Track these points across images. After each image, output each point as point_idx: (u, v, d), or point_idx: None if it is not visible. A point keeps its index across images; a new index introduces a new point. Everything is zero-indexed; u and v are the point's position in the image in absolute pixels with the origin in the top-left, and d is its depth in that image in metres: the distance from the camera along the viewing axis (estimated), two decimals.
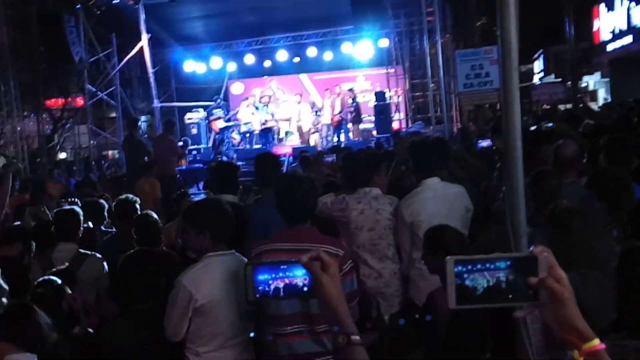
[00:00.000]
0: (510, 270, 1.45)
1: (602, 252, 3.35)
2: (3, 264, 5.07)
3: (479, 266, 1.46)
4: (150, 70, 19.67)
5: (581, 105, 17.43)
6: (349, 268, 3.71)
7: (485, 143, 8.32)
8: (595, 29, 22.48)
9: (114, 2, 17.26)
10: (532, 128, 9.24)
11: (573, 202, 4.13)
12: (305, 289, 1.69)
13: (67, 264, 4.83)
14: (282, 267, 1.69)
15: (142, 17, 18.67)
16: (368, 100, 20.29)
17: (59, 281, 3.95)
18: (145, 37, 19.06)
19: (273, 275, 1.68)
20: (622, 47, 19.69)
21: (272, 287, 1.68)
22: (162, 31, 19.64)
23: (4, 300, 3.67)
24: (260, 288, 1.69)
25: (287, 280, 1.68)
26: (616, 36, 20.19)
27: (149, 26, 18.98)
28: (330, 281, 1.67)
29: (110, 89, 19.85)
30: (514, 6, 2.51)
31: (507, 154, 2.70)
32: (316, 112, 19.59)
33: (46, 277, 4.17)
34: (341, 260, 3.58)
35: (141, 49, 19.34)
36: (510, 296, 1.45)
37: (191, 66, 22.37)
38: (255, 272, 1.69)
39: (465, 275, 1.46)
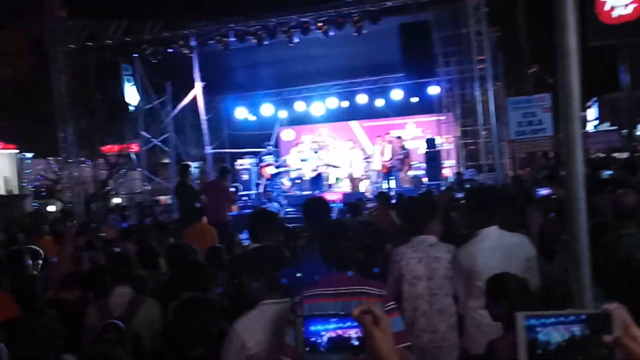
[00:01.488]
0: (584, 326, 1.40)
1: None
2: (62, 307, 5.17)
3: (552, 320, 1.40)
4: (203, 117, 20.06)
5: (637, 154, 17.05)
6: (392, 308, 3.64)
7: (544, 191, 8.14)
8: None
9: (169, 50, 17.71)
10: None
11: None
12: (357, 342, 1.65)
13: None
14: (333, 319, 1.66)
15: (196, 65, 19.13)
16: (418, 147, 20.22)
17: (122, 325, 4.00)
18: (199, 85, 19.52)
19: (325, 327, 1.65)
20: None
21: (323, 339, 1.65)
22: (215, 79, 20.05)
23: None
24: (311, 340, 1.65)
25: (339, 332, 1.65)
26: None
27: (203, 74, 19.43)
28: (382, 335, 1.62)
29: (164, 136, 20.28)
30: (575, 53, 2.46)
31: (570, 204, 2.61)
32: (366, 158, 19.61)
33: (110, 321, 4.22)
34: (383, 300, 3.55)
35: (195, 96, 19.77)
36: (584, 354, 1.39)
37: (243, 113, 22.72)
38: (306, 323, 1.66)
39: (539, 329, 1.40)
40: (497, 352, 4.36)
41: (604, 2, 15.37)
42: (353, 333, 1.65)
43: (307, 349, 1.66)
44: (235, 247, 8.04)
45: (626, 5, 15.08)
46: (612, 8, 15.24)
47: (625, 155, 17.03)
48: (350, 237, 3.79)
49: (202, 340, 3.69)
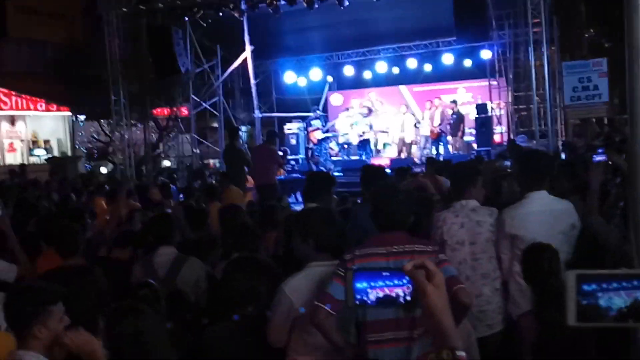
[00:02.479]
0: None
1: None
2: (113, 266, 5.30)
3: (614, 285, 1.34)
4: (252, 81, 20.09)
5: None
6: (443, 259, 3.73)
7: (600, 158, 7.91)
8: None
9: (219, 14, 17.70)
10: None
11: None
12: (408, 298, 1.61)
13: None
14: (384, 274, 1.62)
15: (246, 29, 19.11)
16: (469, 113, 19.91)
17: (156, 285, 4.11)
18: (248, 49, 19.50)
19: (373, 284, 1.61)
20: None
21: (372, 295, 1.61)
22: (264, 43, 20.00)
23: None
24: (359, 296, 1.62)
25: (387, 290, 1.61)
26: None
27: (252, 38, 19.40)
28: (436, 291, 1.59)
29: (214, 100, 20.41)
30: None
31: (632, 165, 2.53)
32: (415, 124, 19.42)
33: (146, 280, 4.33)
34: (434, 255, 3.63)
35: (244, 60, 19.79)
36: (634, 317, 1.35)
37: (291, 77, 22.66)
38: (355, 278, 1.63)
39: (600, 294, 1.34)
40: (521, 329, 4.34)
41: None
42: (401, 291, 1.61)
43: (357, 302, 1.62)
44: (284, 210, 8.10)
45: None
46: None
47: None
48: (401, 200, 3.79)
49: (250, 300, 3.73)
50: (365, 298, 1.62)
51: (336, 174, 16.70)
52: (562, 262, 4.19)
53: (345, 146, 19.15)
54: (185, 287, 4.73)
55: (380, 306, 1.64)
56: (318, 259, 3.79)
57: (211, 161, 23.48)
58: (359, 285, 1.62)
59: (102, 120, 23.72)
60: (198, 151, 21.93)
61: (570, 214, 4.66)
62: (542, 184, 4.67)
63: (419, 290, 1.59)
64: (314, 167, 17.35)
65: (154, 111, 22.32)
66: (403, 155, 18.65)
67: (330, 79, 22.67)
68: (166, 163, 23.76)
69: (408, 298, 1.61)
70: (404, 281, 1.61)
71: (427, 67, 21.50)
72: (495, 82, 20.51)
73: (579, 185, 5.74)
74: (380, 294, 1.61)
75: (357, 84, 22.69)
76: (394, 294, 1.61)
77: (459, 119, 18.58)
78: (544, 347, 3.68)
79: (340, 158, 18.94)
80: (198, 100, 20.25)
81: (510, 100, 20.17)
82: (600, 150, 9.08)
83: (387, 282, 1.61)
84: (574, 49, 21.67)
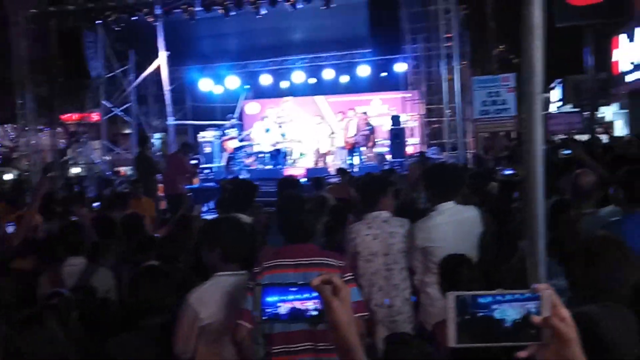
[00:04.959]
0: (514, 308, 1.39)
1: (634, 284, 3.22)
2: (16, 276, 5.08)
3: (509, 297, 1.40)
4: (166, 87, 19.76)
5: (597, 136, 17.30)
6: (350, 278, 3.74)
7: (509, 172, 8.20)
8: (614, 59, 22.36)
9: (133, 18, 17.35)
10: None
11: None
12: (315, 312, 1.63)
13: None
14: (292, 289, 1.64)
15: (161, 34, 18.80)
16: (383, 124, 20.23)
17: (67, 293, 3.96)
18: (163, 55, 19.17)
19: (282, 298, 1.63)
20: None
21: (281, 309, 1.63)
22: (179, 49, 19.73)
23: None
24: (268, 310, 1.63)
25: (296, 304, 1.63)
26: (637, 67, 20.03)
27: (167, 44, 19.10)
28: (341, 306, 1.61)
29: (126, 105, 19.98)
30: (539, 28, 2.43)
31: (528, 180, 2.62)
32: (331, 134, 19.58)
33: (55, 290, 4.15)
34: (342, 270, 3.66)
35: (158, 66, 19.45)
36: (513, 335, 1.39)
37: (207, 85, 22.44)
38: (264, 293, 1.64)
39: (495, 307, 1.40)
40: (438, 337, 4.43)
41: None
42: (311, 304, 1.63)
43: (265, 317, 1.64)
44: (194, 219, 7.98)
45: None
46: None
47: (586, 137, 17.26)
48: (308, 210, 3.81)
49: (158, 310, 3.66)
50: (275, 312, 1.63)
51: None
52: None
53: (260, 155, 19.09)
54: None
55: (290, 320, 1.65)
56: (225, 269, 3.76)
57: (122, 169, 22.91)
58: (269, 299, 1.63)
59: (8, 125, 22.82)
60: (109, 158, 21.39)
61: (478, 221, 4.78)
62: (449, 196, 4.77)
63: (325, 304, 1.60)
64: (230, 177, 17.19)
65: (63, 116, 21.62)
66: (319, 166, 18.74)
67: (246, 87, 22.58)
68: (75, 170, 23.03)
69: (315, 312, 1.63)
70: (313, 295, 1.62)
71: (343, 78, 21.74)
72: (409, 94, 20.94)
73: (482, 196, 5.91)
74: (290, 308, 1.63)
75: (274, 93, 22.68)
76: (303, 308, 1.63)
77: (371, 130, 18.84)
78: (463, 354, 3.71)
79: (255, 167, 18.86)
80: (110, 105, 19.76)
81: (423, 112, 20.62)
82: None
83: (297, 296, 1.63)
84: (485, 64, 22.40)
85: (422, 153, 16.81)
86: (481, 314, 1.39)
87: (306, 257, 3.65)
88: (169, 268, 4.70)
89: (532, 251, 2.69)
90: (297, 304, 1.62)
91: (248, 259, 3.87)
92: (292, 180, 6.76)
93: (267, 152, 18.80)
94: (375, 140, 19.13)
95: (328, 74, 21.44)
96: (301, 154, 19.95)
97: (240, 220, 4.18)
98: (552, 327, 1.38)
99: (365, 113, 19.20)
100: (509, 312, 1.39)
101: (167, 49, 19.21)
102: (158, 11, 17.45)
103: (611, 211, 4.76)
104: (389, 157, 18.66)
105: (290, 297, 1.62)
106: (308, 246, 3.77)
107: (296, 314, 1.63)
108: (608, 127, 25.37)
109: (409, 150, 19.43)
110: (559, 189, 5.49)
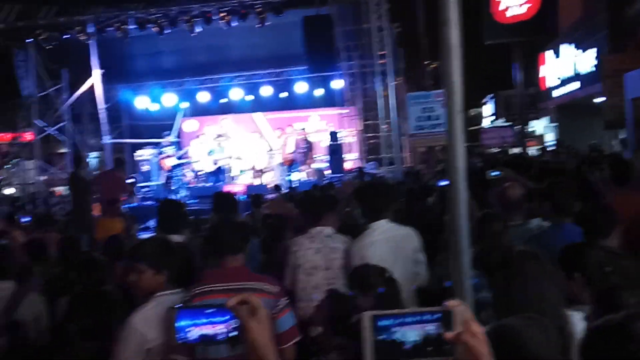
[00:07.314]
0: (439, 325, 1.41)
1: (553, 298, 3.31)
2: None
3: (410, 319, 1.40)
4: (101, 105, 19.43)
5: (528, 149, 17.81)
6: (286, 304, 3.69)
7: (444, 182, 8.36)
8: (541, 75, 23.13)
9: (65, 37, 17.05)
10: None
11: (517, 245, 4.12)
12: (232, 334, 1.60)
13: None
14: (206, 311, 1.61)
15: (94, 52, 18.52)
16: (321, 140, 20.36)
17: None
18: (97, 73, 18.88)
19: (195, 321, 1.60)
20: (569, 92, 20.21)
21: (193, 333, 1.60)
22: (114, 67, 19.46)
23: None
24: (181, 334, 1.60)
25: (209, 327, 1.60)
26: (563, 82, 20.75)
27: (102, 62, 18.82)
28: (258, 326, 1.61)
29: (60, 125, 19.57)
30: (457, 49, 2.53)
31: (451, 194, 2.70)
32: (270, 151, 19.60)
33: None
34: (277, 296, 3.59)
35: (92, 84, 19.14)
36: (429, 351, 1.40)
37: (143, 103, 22.16)
38: (178, 317, 1.61)
39: (395, 329, 1.40)
40: None
41: (499, 2, 15.95)
42: (224, 327, 1.61)
43: (179, 341, 1.61)
44: (131, 238, 7.86)
45: (520, 5, 15.71)
46: (507, 8, 15.84)
47: (517, 150, 17.74)
48: (233, 229, 3.78)
49: (95, 335, 3.57)
50: (186, 336, 1.60)
51: (190, 201, 16.48)
52: (414, 287, 4.36)
53: (199, 173, 18.93)
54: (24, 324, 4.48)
55: (202, 344, 1.62)
56: (165, 288, 3.63)
57: (58, 189, 22.36)
58: (182, 323, 1.60)
59: None
60: (44, 178, 20.85)
61: (412, 239, 4.82)
62: (381, 215, 4.81)
63: (242, 326, 1.60)
64: (169, 195, 16.98)
65: None
66: (257, 182, 18.71)
67: (183, 105, 22.41)
68: (9, 191, 22.37)
69: (232, 334, 1.60)
70: (227, 317, 1.60)
71: (281, 95, 21.79)
72: (346, 111, 21.14)
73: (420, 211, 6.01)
74: (202, 332, 1.60)
75: (212, 110, 22.54)
76: (213, 332, 1.60)
77: (309, 147, 18.94)
78: None
79: (195, 185, 18.70)
80: (43, 124, 19.31)
81: (360, 128, 20.85)
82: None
83: (211, 319, 1.60)
84: (420, 80, 22.82)
85: (360, 169, 17.01)
86: (384, 336, 1.40)
87: (236, 281, 3.55)
88: (106, 291, 4.65)
89: (457, 264, 2.78)
90: (208, 328, 1.60)
91: (183, 279, 3.81)
92: (226, 195, 6.69)
93: (206, 170, 18.68)
94: (314, 156, 19.24)
95: (265, 90, 21.47)
96: (241, 171, 19.88)
97: (168, 240, 4.07)
98: (464, 342, 1.40)
99: (303, 129, 19.30)
100: (408, 335, 1.40)
101: (102, 67, 18.93)
102: (91, 29, 17.21)
103: (538, 223, 4.91)
104: (328, 172, 18.78)
105: (204, 320, 1.60)
106: (238, 269, 3.69)
107: (208, 338, 1.60)
108: (539, 140, 26.16)
109: (348, 165, 19.59)
110: (488, 203, 5.63)
